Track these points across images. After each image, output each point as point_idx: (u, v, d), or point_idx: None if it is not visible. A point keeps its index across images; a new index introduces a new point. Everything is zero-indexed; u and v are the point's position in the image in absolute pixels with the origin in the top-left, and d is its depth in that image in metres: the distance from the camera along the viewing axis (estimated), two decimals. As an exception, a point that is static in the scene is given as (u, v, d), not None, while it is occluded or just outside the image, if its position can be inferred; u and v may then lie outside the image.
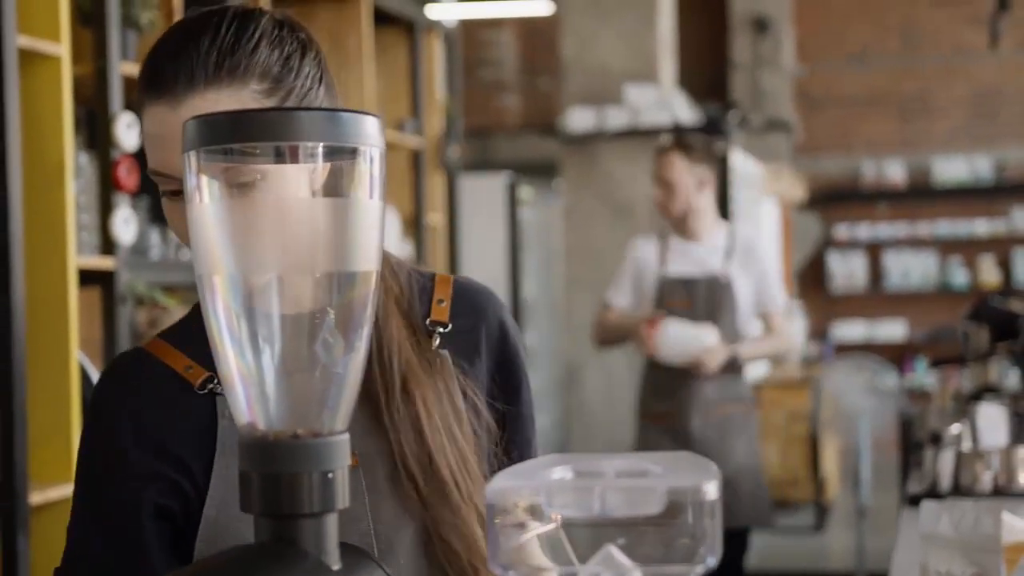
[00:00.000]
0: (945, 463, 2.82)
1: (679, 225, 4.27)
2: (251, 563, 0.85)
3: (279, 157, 0.89)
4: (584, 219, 6.63)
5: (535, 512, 0.76)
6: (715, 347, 4.11)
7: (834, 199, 10.83)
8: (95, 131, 3.19)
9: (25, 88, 2.81)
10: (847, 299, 10.89)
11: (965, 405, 3.45)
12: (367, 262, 0.89)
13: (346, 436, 0.89)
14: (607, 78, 6.49)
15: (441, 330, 1.33)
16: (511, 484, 0.77)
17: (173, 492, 1.25)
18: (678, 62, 7.08)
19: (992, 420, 3.11)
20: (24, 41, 2.78)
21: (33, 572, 2.76)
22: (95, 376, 2.98)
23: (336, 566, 0.86)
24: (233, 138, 0.88)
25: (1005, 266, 10.65)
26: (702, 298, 4.20)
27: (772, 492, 7.81)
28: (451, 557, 1.27)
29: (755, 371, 7.98)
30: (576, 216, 6.71)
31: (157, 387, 1.28)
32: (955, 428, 2.95)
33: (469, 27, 9.97)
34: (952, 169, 10.63)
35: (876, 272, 10.87)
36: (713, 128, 6.79)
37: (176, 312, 3.31)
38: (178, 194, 1.21)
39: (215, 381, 1.26)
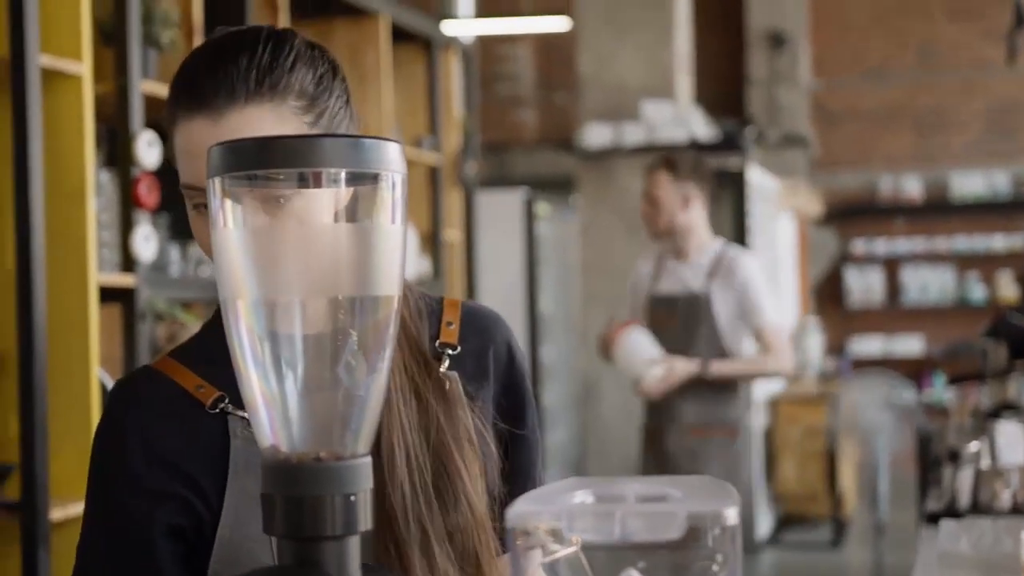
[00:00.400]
0: (964, 481, 2.81)
1: (671, 243, 4.29)
2: (274, 585, 0.86)
3: (303, 183, 0.90)
4: (601, 235, 6.64)
5: (556, 536, 0.77)
6: (657, 373, 4.10)
7: (851, 214, 10.81)
8: (116, 149, 3.21)
9: (47, 106, 2.83)
10: (864, 314, 10.86)
11: (984, 422, 3.44)
12: (389, 286, 0.90)
13: (368, 459, 0.89)
14: (624, 94, 6.49)
15: (450, 352, 1.34)
16: (532, 508, 0.77)
17: (185, 511, 1.25)
18: (695, 78, 7.08)
19: (1011, 438, 3.10)
20: (46, 60, 2.80)
21: (53, 588, 2.77)
22: (115, 393, 2.99)
23: (358, 588, 0.86)
24: (258, 164, 0.89)
25: (1023, 281, 10.61)
26: (682, 316, 4.20)
27: (789, 507, 7.84)
28: None
29: (768, 388, 7.98)
30: (593, 232, 6.71)
31: (167, 406, 1.28)
32: (974, 446, 2.95)
33: (486, 42, 9.99)
34: (969, 184, 10.61)
35: (893, 287, 10.84)
36: (730, 144, 6.79)
37: (194, 328, 3.33)
38: None
39: (226, 400, 1.26)
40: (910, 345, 10.73)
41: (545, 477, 1.41)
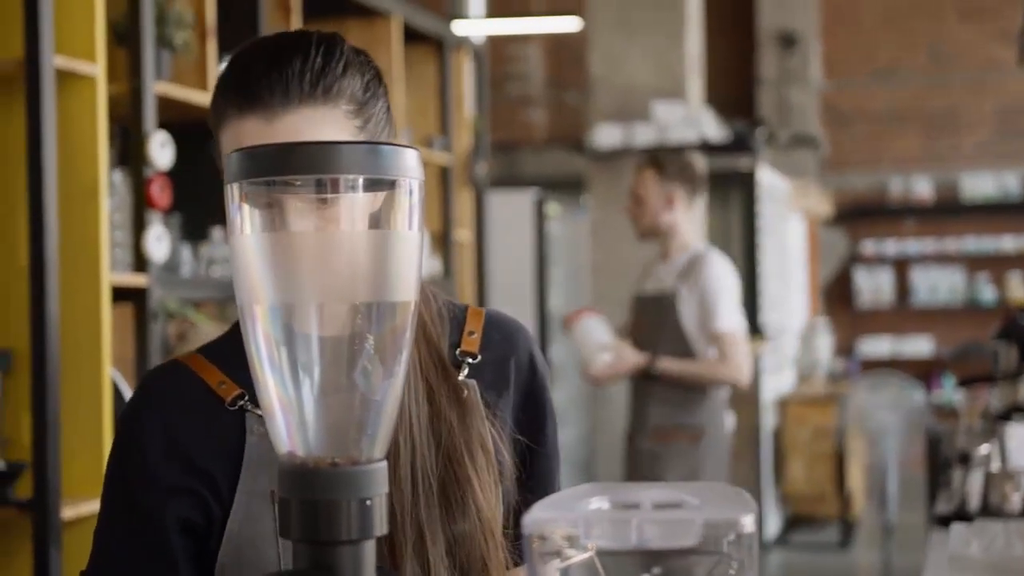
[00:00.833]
0: (974, 483, 2.81)
1: (657, 243, 4.30)
2: (291, 589, 0.86)
3: (320, 189, 0.91)
4: (611, 235, 6.63)
5: (572, 542, 0.77)
6: (605, 359, 4.12)
7: (861, 215, 10.80)
8: (129, 149, 3.22)
9: (61, 107, 2.84)
10: (874, 315, 10.85)
11: (994, 425, 3.43)
12: (406, 291, 0.91)
13: (384, 463, 0.90)
14: (635, 95, 6.49)
15: (470, 361, 1.34)
16: (549, 514, 0.78)
17: (198, 506, 1.27)
18: (705, 79, 7.08)
19: (1022, 441, 3.09)
20: (61, 61, 2.81)
21: (65, 586, 2.78)
22: (127, 392, 3.00)
23: (374, 593, 0.87)
24: (276, 171, 0.90)
25: (1033, 283, 10.60)
26: (652, 316, 4.20)
27: (797, 508, 7.83)
28: None
29: (778, 388, 7.97)
30: (603, 232, 6.71)
31: (190, 401, 1.29)
32: (984, 448, 2.94)
33: (496, 42, 9.99)
34: (980, 185, 10.59)
35: (903, 288, 10.82)
36: (740, 145, 6.78)
37: (204, 327, 3.34)
38: None
39: (246, 398, 1.27)
40: (919, 346, 10.72)
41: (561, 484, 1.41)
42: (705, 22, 7.06)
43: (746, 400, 7.24)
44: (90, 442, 2.87)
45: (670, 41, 6.51)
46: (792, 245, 8.99)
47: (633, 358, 4.13)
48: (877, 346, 10.75)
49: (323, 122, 1.22)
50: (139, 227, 3.16)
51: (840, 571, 7.14)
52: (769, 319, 7.80)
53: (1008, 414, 3.61)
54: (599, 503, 0.79)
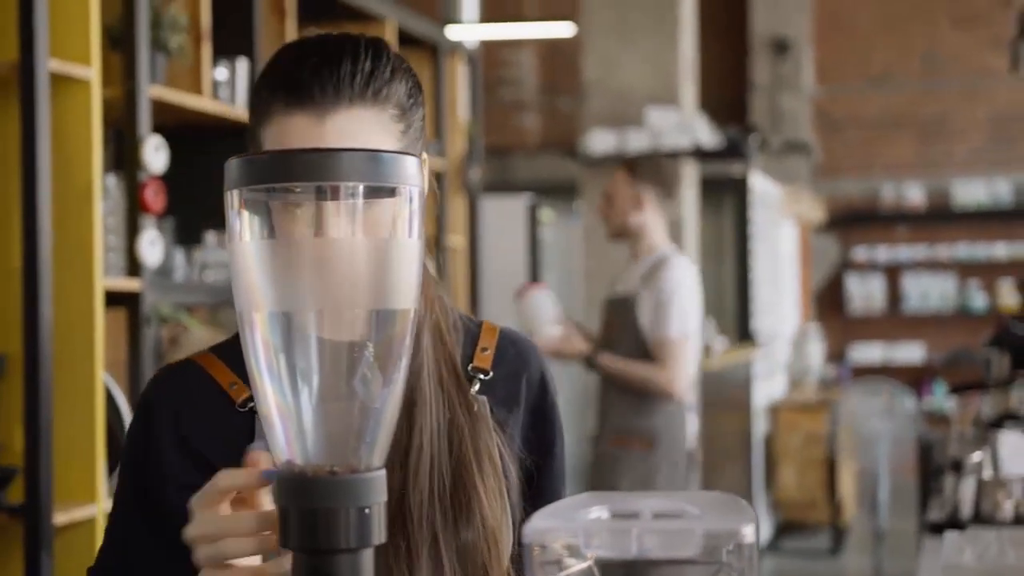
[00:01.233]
0: (966, 491, 2.81)
1: (627, 244, 4.30)
2: (290, 598, 0.86)
3: (320, 196, 0.90)
4: (604, 241, 6.63)
5: (573, 552, 0.77)
6: (553, 333, 4.15)
7: (853, 221, 10.81)
8: (123, 153, 3.22)
9: (55, 110, 2.83)
10: (865, 321, 10.86)
11: (986, 432, 3.43)
12: (406, 299, 0.91)
13: (383, 472, 0.90)
14: (628, 101, 6.50)
15: (482, 376, 1.35)
16: (549, 524, 0.78)
17: None
18: (699, 85, 7.09)
19: (1014, 448, 3.09)
20: (55, 64, 2.81)
21: (56, 591, 2.77)
22: (120, 397, 3.00)
23: (372, 602, 0.87)
24: (276, 177, 0.90)
25: (1024, 290, 10.62)
26: (618, 316, 4.19)
27: (788, 514, 7.83)
28: None
29: (769, 394, 7.97)
30: (596, 238, 6.70)
31: (200, 399, 1.30)
32: (976, 456, 2.95)
33: (489, 46, 9.99)
34: (972, 192, 10.61)
35: (894, 295, 10.84)
36: (733, 151, 6.79)
37: (197, 332, 3.33)
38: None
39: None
40: (911, 353, 10.73)
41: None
42: (699, 28, 7.07)
43: (737, 406, 7.25)
44: (82, 447, 2.86)
45: (663, 47, 6.52)
46: (784, 251, 9.00)
47: (579, 344, 4.16)
48: (868, 352, 10.77)
49: (371, 124, 1.22)
50: (132, 231, 3.15)
51: (831, 577, 7.15)
52: (761, 325, 7.81)
53: (1000, 421, 3.61)
54: (599, 513, 0.79)
